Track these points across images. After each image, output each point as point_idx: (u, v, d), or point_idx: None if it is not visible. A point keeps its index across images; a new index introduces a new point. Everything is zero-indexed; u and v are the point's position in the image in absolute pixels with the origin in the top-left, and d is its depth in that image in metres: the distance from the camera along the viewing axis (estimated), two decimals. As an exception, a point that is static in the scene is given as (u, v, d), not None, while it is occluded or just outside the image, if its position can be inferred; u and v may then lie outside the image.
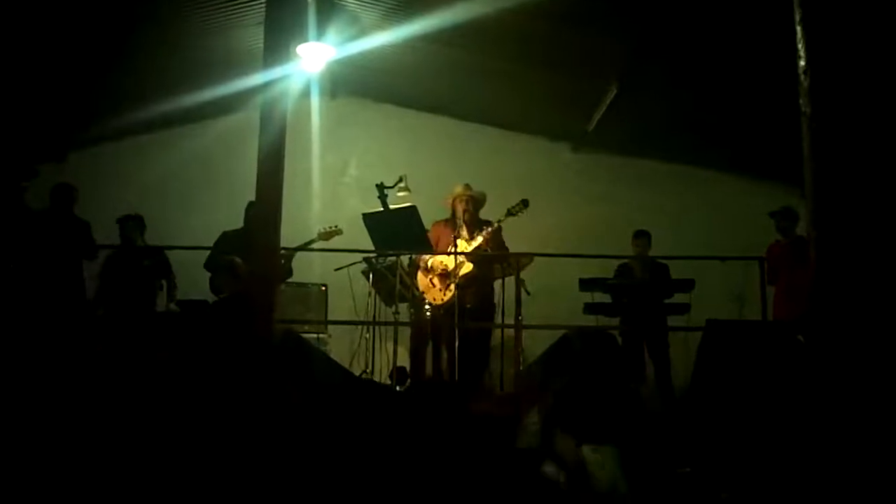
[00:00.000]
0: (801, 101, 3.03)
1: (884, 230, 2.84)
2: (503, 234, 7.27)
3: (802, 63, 3.02)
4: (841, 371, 2.77)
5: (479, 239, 7.13)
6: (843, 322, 2.84)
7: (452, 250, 7.04)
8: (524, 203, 7.10)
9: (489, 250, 7.18)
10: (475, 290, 7.16)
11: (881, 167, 2.88)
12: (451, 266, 7.07)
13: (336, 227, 7.63)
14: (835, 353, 2.81)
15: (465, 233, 7.28)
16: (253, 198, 5.78)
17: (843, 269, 2.86)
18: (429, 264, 7.25)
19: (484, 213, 7.58)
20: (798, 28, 3.05)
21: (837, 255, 2.88)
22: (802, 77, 3.02)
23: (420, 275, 7.32)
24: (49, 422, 4.33)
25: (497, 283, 7.49)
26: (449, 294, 7.09)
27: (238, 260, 7.12)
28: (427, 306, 7.20)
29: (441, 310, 7.15)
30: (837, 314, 2.87)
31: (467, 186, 7.52)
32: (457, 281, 7.00)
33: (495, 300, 7.49)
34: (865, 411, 2.67)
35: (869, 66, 2.93)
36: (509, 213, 7.12)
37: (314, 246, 7.59)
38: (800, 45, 3.03)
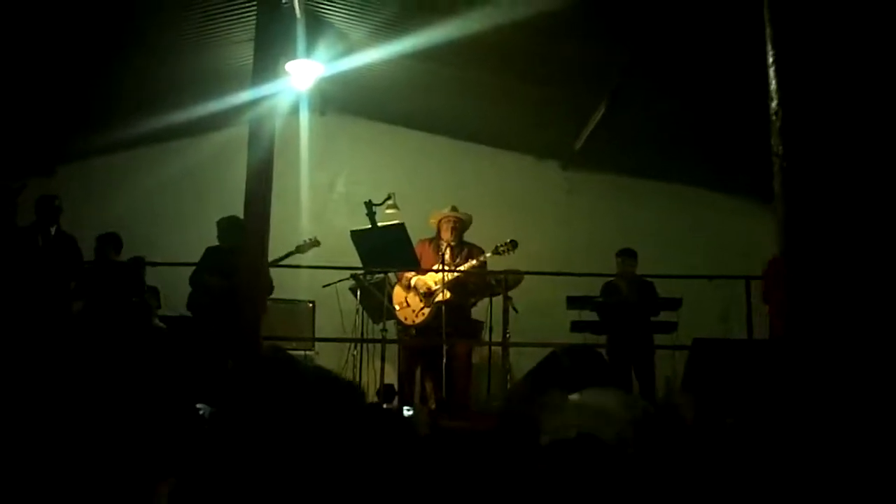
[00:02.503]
0: (772, 140, 3.08)
1: (856, 264, 2.88)
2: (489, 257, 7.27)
3: (774, 104, 3.07)
4: (820, 387, 2.80)
5: (464, 267, 7.15)
6: (817, 350, 2.88)
7: (438, 269, 7.06)
8: (513, 244, 7.08)
9: (469, 283, 7.21)
10: (450, 314, 7.09)
11: (853, 206, 2.93)
12: (433, 287, 7.09)
13: (314, 238, 7.59)
14: (812, 372, 2.84)
15: (448, 256, 7.27)
16: (241, 213, 5.78)
17: (815, 304, 2.90)
18: (411, 283, 7.26)
19: (472, 231, 7.59)
20: (770, 70, 3.10)
21: (810, 288, 2.92)
22: (774, 118, 3.07)
23: (397, 288, 7.31)
24: (32, 439, 4.29)
25: (484, 302, 7.50)
26: (422, 317, 7.12)
27: (211, 278, 7.08)
28: (403, 320, 7.21)
29: (413, 330, 7.18)
30: (810, 347, 2.90)
31: (454, 208, 7.53)
32: (432, 306, 7.03)
33: (481, 319, 7.49)
34: (848, 427, 2.69)
35: (841, 106, 2.99)
36: (496, 252, 7.11)
37: (302, 262, 7.56)
38: (772, 86, 3.09)
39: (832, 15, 3.04)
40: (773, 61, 3.10)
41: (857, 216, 2.90)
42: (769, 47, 3.14)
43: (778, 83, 3.08)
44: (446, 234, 7.37)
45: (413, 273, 7.23)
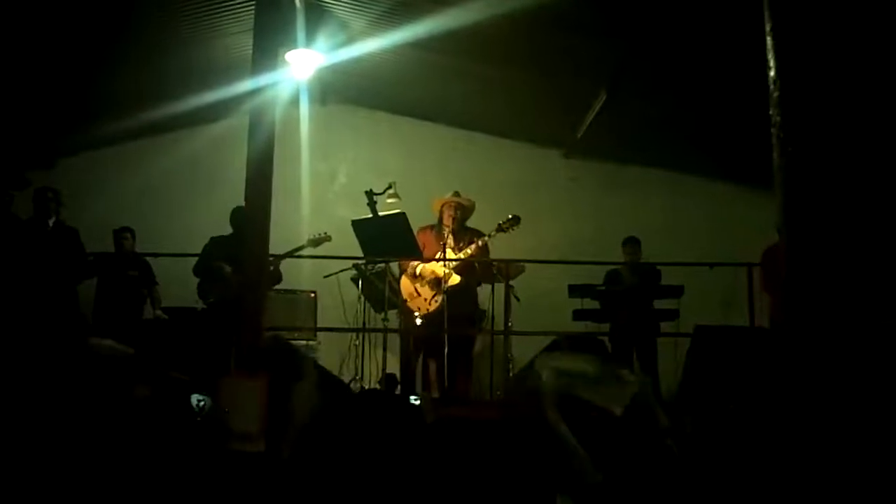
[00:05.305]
0: (771, 110, 3.07)
1: (854, 238, 2.88)
2: (493, 242, 7.25)
3: (772, 73, 3.07)
4: (819, 373, 2.80)
5: (468, 251, 7.12)
6: (816, 329, 2.88)
7: (441, 258, 7.03)
8: (516, 219, 7.06)
9: (475, 263, 7.19)
10: (459, 301, 7.11)
11: (851, 177, 2.93)
12: (440, 274, 7.05)
13: (325, 233, 7.59)
14: (812, 357, 2.84)
15: (451, 241, 7.26)
16: (242, 204, 5.77)
17: (814, 279, 2.90)
18: (417, 271, 7.23)
19: (474, 219, 7.58)
20: (768, 38, 3.09)
21: (809, 263, 2.92)
22: (772, 87, 3.07)
23: (404, 280, 7.28)
24: (41, 432, 4.31)
25: (486, 291, 7.49)
26: (434, 305, 7.07)
27: (225, 266, 7.11)
28: (416, 314, 7.19)
29: (426, 320, 7.15)
30: (810, 324, 2.90)
31: (456, 193, 7.51)
32: (443, 293, 6.99)
33: (483, 307, 7.49)
34: (848, 414, 2.70)
35: (839, 77, 2.98)
36: (500, 229, 7.08)
37: (304, 252, 7.57)
38: (770, 55, 3.08)
39: None
40: (772, 29, 3.09)
41: (857, 190, 2.90)
42: (766, 16, 3.13)
43: (776, 53, 3.08)
44: (448, 220, 7.35)
45: (417, 262, 7.21)
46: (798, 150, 2.97)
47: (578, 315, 7.34)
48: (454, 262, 7.08)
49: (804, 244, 2.93)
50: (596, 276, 7.92)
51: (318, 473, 3.88)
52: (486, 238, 7.13)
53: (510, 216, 7.08)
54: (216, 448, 4.36)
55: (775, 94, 3.05)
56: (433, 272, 7.13)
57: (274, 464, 4.20)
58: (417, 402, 5.57)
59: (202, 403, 4.83)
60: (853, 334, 2.79)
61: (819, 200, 2.91)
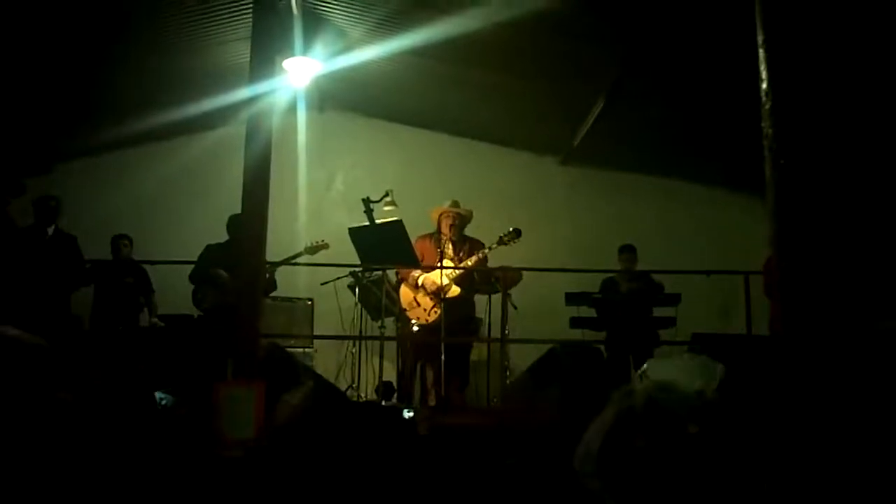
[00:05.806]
0: (762, 123, 3.08)
1: (846, 248, 2.88)
2: (492, 254, 7.26)
3: (764, 86, 3.08)
4: (816, 380, 2.80)
5: (468, 262, 7.13)
6: (810, 338, 2.88)
7: (439, 266, 7.03)
8: (516, 232, 7.06)
9: (475, 274, 7.20)
10: (456, 309, 7.12)
11: (842, 188, 2.93)
12: (442, 284, 7.06)
13: (323, 241, 7.60)
14: (808, 364, 2.84)
15: (449, 250, 7.26)
16: (239, 211, 5.78)
17: (806, 289, 2.90)
18: (419, 282, 7.23)
19: (471, 227, 7.58)
20: (760, 51, 3.10)
21: (801, 273, 2.92)
22: (764, 99, 3.07)
23: (404, 289, 7.29)
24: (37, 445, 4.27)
25: (483, 299, 7.49)
26: (434, 315, 7.09)
27: (222, 273, 7.10)
28: (414, 321, 7.19)
29: (414, 327, 7.16)
30: (804, 333, 2.90)
31: (455, 203, 7.52)
32: (443, 304, 7.00)
33: (480, 315, 7.50)
34: (846, 420, 2.69)
35: (831, 89, 2.99)
36: (500, 242, 7.08)
37: (300, 260, 7.56)
38: (762, 68, 3.09)
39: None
40: (764, 41, 3.10)
41: (848, 202, 2.90)
42: (759, 27, 3.14)
43: (768, 65, 3.08)
44: (446, 229, 7.37)
45: (419, 272, 7.22)
46: (790, 162, 2.98)
47: (575, 323, 7.32)
48: (454, 273, 7.09)
49: (797, 255, 2.94)
50: (593, 283, 7.91)
51: (297, 480, 3.85)
52: (487, 250, 7.13)
53: (511, 229, 7.08)
54: (181, 449, 4.34)
55: (767, 107, 3.06)
56: (435, 283, 7.13)
57: (246, 466, 4.17)
58: (410, 415, 5.55)
59: (164, 402, 4.82)
60: (847, 341, 2.79)
61: (811, 212, 2.91)
